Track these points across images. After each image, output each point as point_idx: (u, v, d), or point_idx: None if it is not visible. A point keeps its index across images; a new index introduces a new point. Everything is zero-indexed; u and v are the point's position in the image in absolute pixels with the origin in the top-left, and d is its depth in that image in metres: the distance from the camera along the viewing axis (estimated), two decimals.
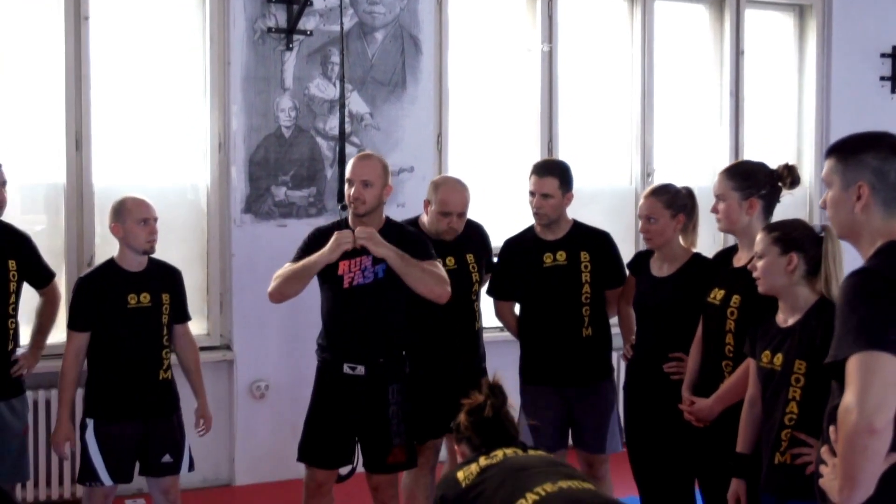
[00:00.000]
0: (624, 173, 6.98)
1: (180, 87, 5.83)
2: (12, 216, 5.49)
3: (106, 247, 5.18)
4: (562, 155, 6.55)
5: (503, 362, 5.02)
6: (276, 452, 5.76)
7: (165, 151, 5.82)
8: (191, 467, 4.34)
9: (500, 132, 6.64)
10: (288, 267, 4.14)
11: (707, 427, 3.69)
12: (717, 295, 3.68)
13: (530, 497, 2.54)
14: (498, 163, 6.62)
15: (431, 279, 4.07)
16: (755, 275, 3.31)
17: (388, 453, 4.17)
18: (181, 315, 4.36)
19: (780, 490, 3.15)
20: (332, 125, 5.97)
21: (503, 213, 6.28)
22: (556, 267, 4.50)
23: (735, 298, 3.59)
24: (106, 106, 5.64)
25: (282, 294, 4.10)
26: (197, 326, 5.91)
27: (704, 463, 3.77)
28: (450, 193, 4.49)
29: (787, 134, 7.50)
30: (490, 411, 3.00)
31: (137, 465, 4.25)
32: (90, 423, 4.11)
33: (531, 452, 2.89)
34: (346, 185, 4.19)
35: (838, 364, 2.32)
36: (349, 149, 5.98)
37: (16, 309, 4.26)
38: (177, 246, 5.83)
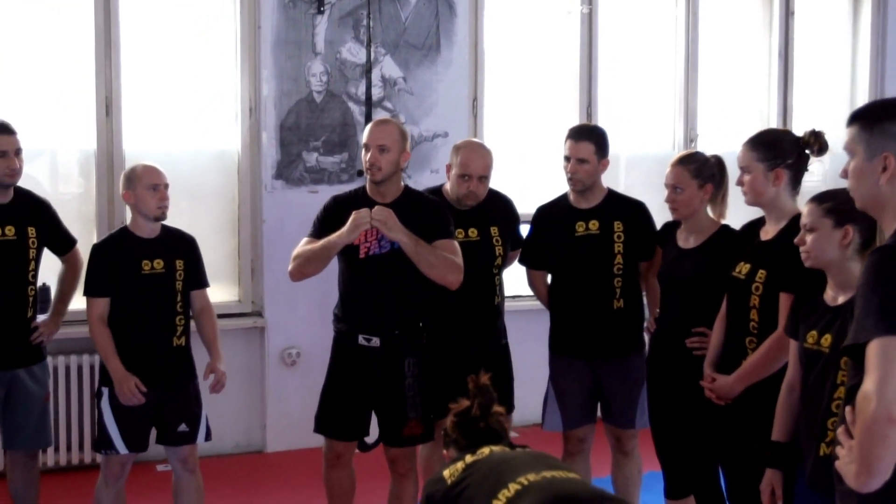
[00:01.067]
0: (666, 139, 6.80)
1: (211, 52, 5.79)
2: (44, 182, 5.54)
3: None
4: (601, 120, 6.40)
5: (534, 332, 4.97)
6: (307, 420, 5.64)
7: (196, 117, 5.79)
8: (207, 436, 4.29)
9: (537, 97, 6.49)
10: (306, 245, 4.06)
11: (729, 406, 3.56)
12: (743, 269, 3.53)
13: (513, 487, 2.46)
14: (535, 129, 6.48)
15: (444, 266, 3.98)
16: (803, 249, 3.09)
17: (405, 426, 4.11)
18: (197, 282, 4.29)
19: (830, 486, 2.86)
20: (365, 89, 5.88)
21: (539, 181, 6.15)
22: (589, 236, 4.37)
23: (760, 273, 3.45)
24: (136, 72, 5.61)
25: (302, 274, 4.04)
26: (228, 293, 5.92)
27: (725, 444, 3.64)
28: (470, 155, 4.37)
29: (838, 99, 7.24)
30: (478, 411, 2.91)
31: (154, 433, 4.23)
32: (105, 391, 4.09)
33: (520, 450, 2.80)
34: (363, 151, 4.10)
35: (859, 347, 2.20)
36: (382, 114, 5.89)
37: (36, 276, 4.25)
38: (207, 212, 5.82)
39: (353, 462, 4.28)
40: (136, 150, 5.54)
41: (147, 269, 4.09)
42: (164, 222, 4.24)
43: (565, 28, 6.46)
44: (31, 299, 4.23)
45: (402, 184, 4.18)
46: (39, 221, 4.28)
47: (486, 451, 2.74)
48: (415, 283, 4.07)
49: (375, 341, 4.06)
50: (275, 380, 5.92)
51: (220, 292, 5.81)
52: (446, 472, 2.72)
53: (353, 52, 5.87)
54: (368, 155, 4.05)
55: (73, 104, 5.54)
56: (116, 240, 4.21)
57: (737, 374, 3.50)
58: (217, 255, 5.81)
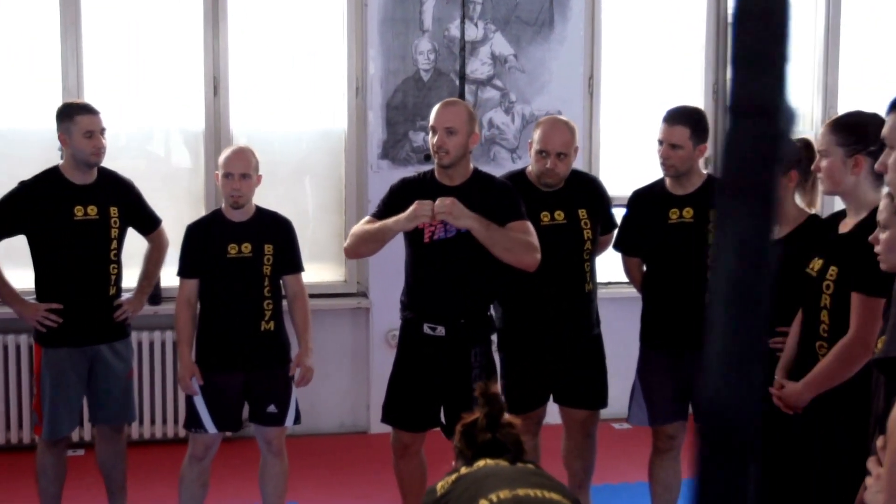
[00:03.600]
0: (803, 120, 6.34)
1: (317, 30, 5.77)
2: (154, 161, 5.67)
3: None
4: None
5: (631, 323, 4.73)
6: None
7: (303, 96, 5.78)
8: (297, 420, 4.27)
9: (659, 75, 6.17)
10: (365, 225, 3.98)
11: (798, 415, 3.26)
12: (815, 265, 3.21)
13: (482, 503, 2.32)
14: (656, 109, 6.15)
15: (520, 248, 3.81)
16: (877, 249, 2.78)
17: None
18: (290, 266, 4.24)
19: None
20: (474, 68, 5.74)
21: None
22: (682, 224, 4.12)
23: (832, 270, 3.12)
24: (243, 51, 5.65)
25: (357, 253, 3.97)
26: (334, 273, 5.92)
27: (791, 456, 3.34)
28: (548, 131, 4.16)
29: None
30: (484, 421, 2.75)
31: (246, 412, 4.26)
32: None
33: (520, 465, 2.63)
34: (430, 134, 3.97)
35: (891, 361, 1.94)
36: (491, 93, 5.75)
37: (118, 255, 4.32)
38: (313, 192, 5.83)
39: (425, 450, 4.19)
40: (243, 129, 5.59)
41: (233, 253, 4.09)
42: (261, 204, 4.22)
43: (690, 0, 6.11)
44: (113, 277, 4.31)
45: (472, 166, 4.03)
46: (123, 201, 4.35)
47: (480, 463, 2.62)
48: (483, 269, 3.92)
49: (440, 330, 3.94)
50: (379, 361, 5.88)
51: (325, 272, 5.83)
52: (439, 484, 2.63)
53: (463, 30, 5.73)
54: (435, 138, 3.91)
55: (183, 83, 5.63)
56: (207, 222, 4.25)
57: (804, 382, 3.19)
58: (323, 234, 5.82)
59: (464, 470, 2.62)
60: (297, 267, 4.27)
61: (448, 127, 3.89)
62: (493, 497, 2.34)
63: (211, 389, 4.09)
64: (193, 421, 4.13)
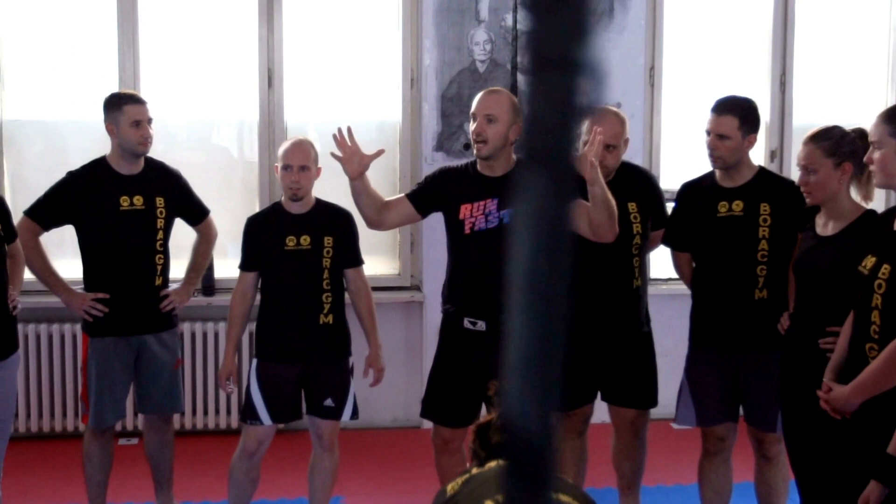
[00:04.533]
0: (873, 113, 6.09)
1: (372, 21, 5.71)
2: (210, 152, 5.68)
3: None
4: (798, 92, 5.85)
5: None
6: None
7: (357, 88, 5.74)
8: (354, 415, 4.23)
9: (723, 66, 5.99)
10: (391, 197, 4.05)
11: (848, 420, 3.10)
12: (868, 263, 3.05)
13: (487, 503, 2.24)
14: None
15: (615, 217, 3.72)
16: None
17: None
18: (350, 259, 4.20)
19: None
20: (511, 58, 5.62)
21: None
22: (731, 217, 3.96)
23: (885, 268, 2.96)
24: (298, 42, 5.63)
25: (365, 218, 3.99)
26: (388, 266, 5.87)
27: (838, 463, 3.18)
28: (598, 122, 4.04)
29: None
30: (499, 422, 2.67)
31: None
32: (254, 362, 4.14)
33: None
34: (471, 121, 3.88)
35: None
36: None
37: (164, 245, 4.32)
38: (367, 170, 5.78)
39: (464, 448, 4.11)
40: (298, 121, 5.57)
41: (291, 245, 4.06)
42: (321, 197, 4.19)
43: None
44: (159, 268, 4.31)
45: (514, 157, 3.93)
46: (169, 192, 4.34)
47: (492, 465, 2.53)
48: None
49: (481, 325, 3.85)
50: (433, 355, 5.80)
51: (380, 265, 5.78)
52: (450, 486, 2.56)
53: (520, 19, 5.62)
54: (475, 125, 3.82)
55: (236, 75, 5.63)
56: (266, 215, 4.24)
57: (853, 385, 3.03)
58: None
59: (475, 471, 2.55)
60: (357, 260, 4.22)
61: (488, 114, 3.80)
62: (499, 497, 2.26)
63: (268, 381, 4.08)
64: (249, 412, 4.11)
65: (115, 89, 5.20)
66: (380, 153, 3.90)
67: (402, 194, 4.05)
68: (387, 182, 5.82)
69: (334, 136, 3.81)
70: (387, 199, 4.03)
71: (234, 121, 5.70)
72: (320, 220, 4.13)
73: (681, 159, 5.87)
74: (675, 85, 5.89)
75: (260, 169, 5.62)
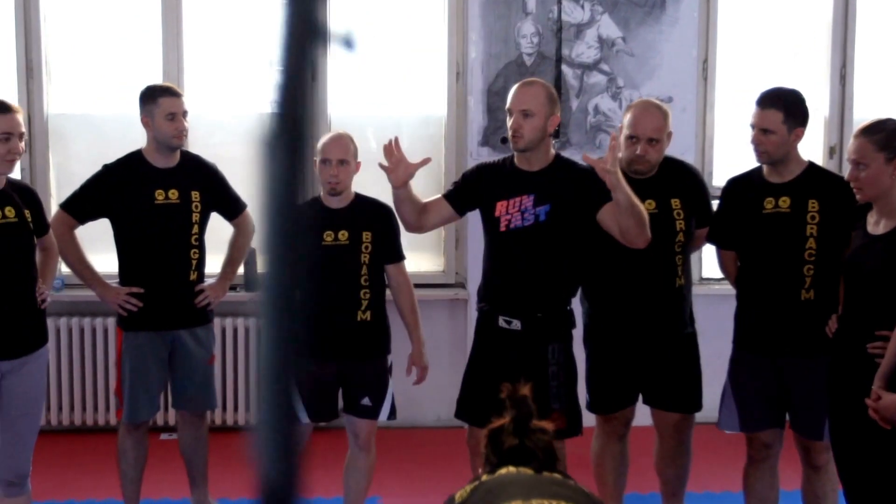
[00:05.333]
0: None
1: (417, 13, 5.63)
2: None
3: None
4: (859, 86, 5.62)
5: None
6: None
7: (402, 81, 5.66)
8: (392, 415, 4.15)
9: (779, 59, 5.79)
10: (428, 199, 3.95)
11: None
12: None
13: None
14: None
15: (646, 224, 3.63)
16: None
17: (548, 418, 3.76)
18: (390, 255, 4.12)
19: None
20: (580, 51, 5.50)
21: None
22: (777, 214, 3.81)
23: None
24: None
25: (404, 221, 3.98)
26: (433, 263, 5.79)
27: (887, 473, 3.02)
28: (639, 115, 3.90)
29: None
30: (511, 426, 2.55)
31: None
32: None
33: (545, 474, 2.41)
34: (508, 116, 3.78)
35: None
36: (598, 77, 5.50)
37: (199, 239, 4.27)
38: (412, 179, 5.69)
39: None
40: (341, 115, 5.50)
41: (329, 241, 3.99)
42: (361, 192, 4.12)
43: None
44: (194, 262, 4.26)
45: (553, 151, 3.81)
46: (205, 185, 4.30)
47: (503, 471, 2.43)
48: (561, 261, 3.72)
49: (516, 324, 3.75)
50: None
51: (424, 262, 5.71)
52: (458, 493, 2.46)
53: (568, 11, 5.49)
54: (511, 121, 3.72)
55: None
56: (305, 209, 4.16)
57: None
58: None
59: (485, 477, 2.46)
60: (398, 255, 4.13)
61: (524, 109, 3.70)
62: None
63: (305, 378, 4.00)
64: None
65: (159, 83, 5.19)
66: (426, 162, 3.84)
67: (440, 195, 3.97)
68: (431, 177, 5.72)
69: (385, 147, 3.76)
70: (424, 200, 3.94)
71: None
72: (359, 215, 4.05)
73: (735, 156, 5.69)
74: (729, 79, 5.71)
75: None
